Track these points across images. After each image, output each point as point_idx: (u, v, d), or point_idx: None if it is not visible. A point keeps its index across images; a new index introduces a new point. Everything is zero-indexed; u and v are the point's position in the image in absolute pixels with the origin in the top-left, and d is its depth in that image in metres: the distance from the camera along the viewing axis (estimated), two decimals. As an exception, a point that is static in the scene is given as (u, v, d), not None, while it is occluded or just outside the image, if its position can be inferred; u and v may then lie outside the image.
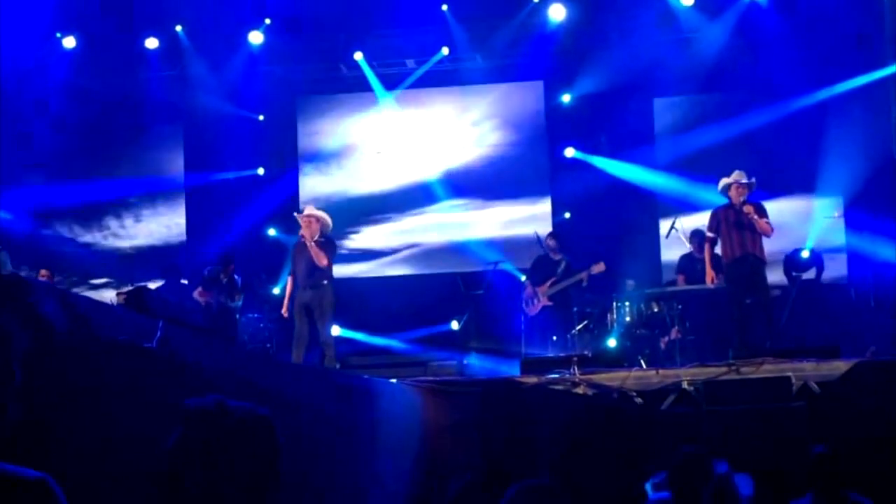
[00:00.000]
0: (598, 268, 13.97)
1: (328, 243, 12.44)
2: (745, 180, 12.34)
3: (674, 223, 14.87)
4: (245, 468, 2.60)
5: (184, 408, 2.64)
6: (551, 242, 14.59)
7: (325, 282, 12.27)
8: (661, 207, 16.55)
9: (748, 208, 12.17)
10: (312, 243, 12.17)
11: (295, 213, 12.71)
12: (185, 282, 15.40)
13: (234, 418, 2.64)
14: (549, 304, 14.14)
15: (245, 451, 2.61)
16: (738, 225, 12.27)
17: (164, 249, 17.67)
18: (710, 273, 12.99)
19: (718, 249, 12.71)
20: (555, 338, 14.05)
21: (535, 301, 14.21)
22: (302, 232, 12.32)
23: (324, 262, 12.18)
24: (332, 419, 7.88)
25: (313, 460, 6.86)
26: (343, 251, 17.52)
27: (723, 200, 12.62)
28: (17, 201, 17.53)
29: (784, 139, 16.25)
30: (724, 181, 12.54)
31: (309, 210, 12.57)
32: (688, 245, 14.48)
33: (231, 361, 7.20)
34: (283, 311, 12.90)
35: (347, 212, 17.62)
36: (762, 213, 12.33)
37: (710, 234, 12.73)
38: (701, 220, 14.75)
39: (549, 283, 14.17)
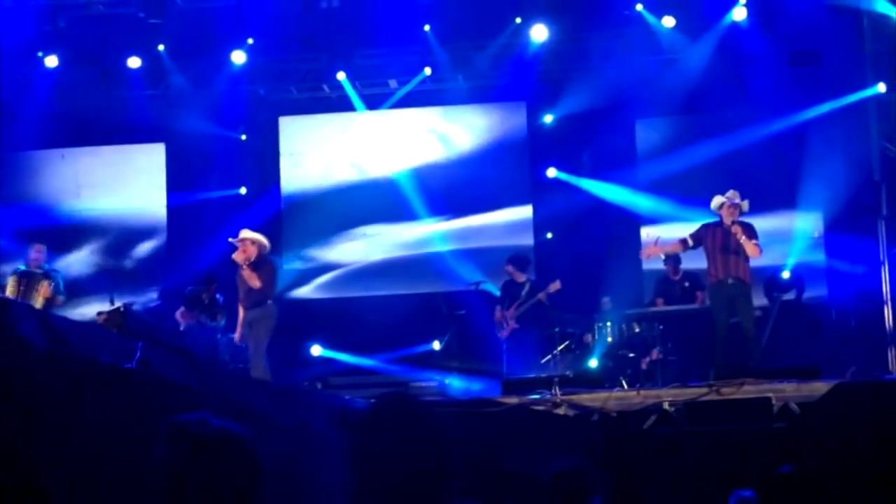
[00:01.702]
0: (555, 286, 14.02)
1: (262, 264, 12.43)
2: (737, 200, 12.31)
3: (656, 242, 14.95)
4: (225, 489, 2.59)
5: (168, 425, 2.63)
6: (510, 268, 14.63)
7: (261, 305, 12.30)
8: (643, 228, 16.60)
9: (736, 229, 12.12)
10: (245, 267, 12.21)
11: (230, 239, 12.65)
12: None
13: (215, 438, 2.63)
14: (517, 326, 14.16)
15: (225, 471, 2.60)
16: (725, 247, 12.18)
17: (146, 269, 17.62)
18: (653, 248, 12.95)
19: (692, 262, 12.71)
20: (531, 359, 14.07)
21: (505, 325, 14.26)
22: (234, 256, 12.34)
23: (256, 284, 12.21)
24: (312, 439, 7.87)
25: (291, 479, 6.84)
26: (324, 269, 17.54)
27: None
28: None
29: (765, 159, 16.33)
30: (717, 199, 12.52)
31: (244, 234, 12.54)
32: (663, 266, 14.54)
33: (210, 382, 7.18)
34: (237, 336, 12.82)
35: (329, 231, 17.63)
36: (752, 234, 12.22)
37: (689, 240, 12.58)
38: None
39: (514, 306, 14.21)
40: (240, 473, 2.65)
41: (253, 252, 12.31)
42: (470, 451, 9.62)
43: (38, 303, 12.24)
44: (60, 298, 12.77)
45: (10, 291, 12.45)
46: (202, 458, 2.59)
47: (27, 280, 12.61)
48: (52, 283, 12.60)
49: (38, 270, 12.82)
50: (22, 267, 12.92)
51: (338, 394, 11.54)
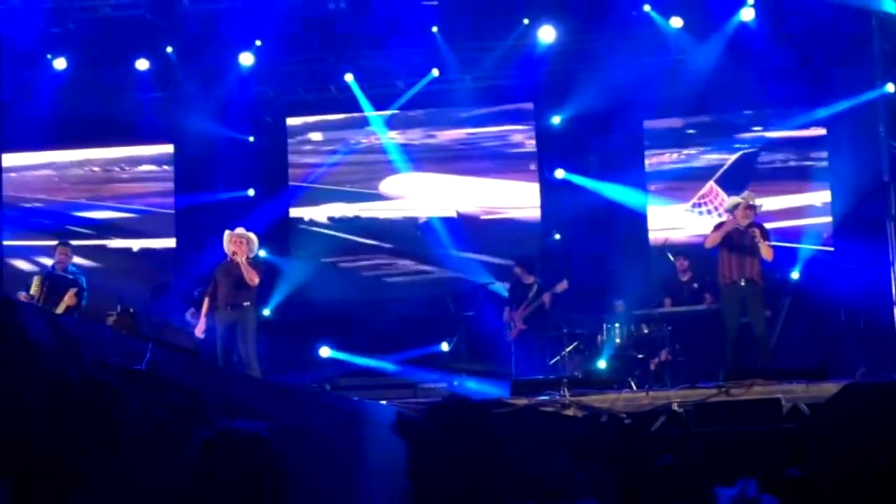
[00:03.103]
0: (562, 286, 14.01)
1: (258, 264, 12.44)
2: (753, 202, 12.26)
3: (664, 243, 14.98)
4: (251, 492, 2.61)
5: (197, 430, 2.67)
6: (518, 269, 14.66)
7: (248, 303, 12.26)
8: (651, 229, 16.63)
9: (754, 230, 12.06)
10: (244, 260, 12.16)
11: (227, 231, 12.55)
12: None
13: (243, 442, 2.66)
14: (525, 327, 14.18)
15: (251, 474, 2.63)
16: (741, 247, 12.12)
17: (155, 270, 17.64)
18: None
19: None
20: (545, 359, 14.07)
21: (513, 326, 14.28)
22: (234, 250, 12.24)
23: (256, 279, 12.16)
24: (320, 441, 7.86)
25: (299, 482, 6.84)
26: (332, 270, 17.55)
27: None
28: (8, 223, 17.60)
29: (773, 160, 16.33)
30: (732, 200, 12.48)
31: (240, 231, 12.52)
32: (674, 259, 14.53)
33: (219, 383, 7.19)
34: (199, 331, 12.54)
35: (336, 232, 17.64)
36: (766, 236, 12.20)
37: (718, 237, 12.26)
38: (690, 241, 14.90)
39: (522, 308, 14.23)
40: (265, 475, 2.67)
41: (244, 251, 12.31)
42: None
43: (60, 309, 12.16)
44: (83, 305, 12.75)
45: (33, 291, 12.41)
46: (229, 461, 2.61)
47: (51, 282, 12.55)
48: (78, 291, 12.54)
49: (66, 274, 12.77)
50: (48, 268, 12.86)
51: (349, 396, 11.53)
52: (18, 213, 17.94)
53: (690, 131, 16.93)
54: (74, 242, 14.23)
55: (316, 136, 18.13)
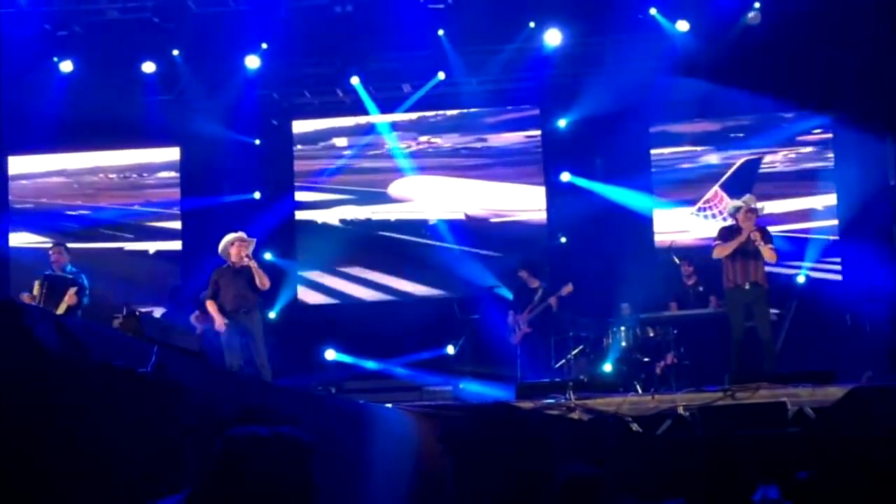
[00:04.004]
0: (567, 289, 14.05)
1: (264, 267, 12.53)
2: (755, 205, 12.26)
3: (670, 246, 14.98)
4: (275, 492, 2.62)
5: (223, 436, 2.67)
6: (523, 273, 14.67)
7: (256, 307, 12.36)
8: (657, 232, 16.62)
9: (756, 234, 12.06)
10: (255, 264, 12.22)
11: (230, 235, 12.53)
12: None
13: (266, 442, 2.66)
14: (529, 331, 14.20)
15: (274, 475, 2.64)
16: (744, 251, 12.12)
17: (161, 273, 17.67)
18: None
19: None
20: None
21: (518, 329, 14.28)
22: (245, 255, 12.25)
23: (268, 283, 12.29)
24: (326, 444, 7.86)
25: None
26: (338, 273, 17.57)
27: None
28: (22, 226, 17.66)
29: (779, 164, 16.31)
30: (734, 203, 12.47)
31: (243, 235, 12.50)
32: (679, 263, 14.53)
33: (226, 386, 7.20)
34: (220, 325, 12.29)
35: (342, 235, 17.66)
36: (768, 238, 12.20)
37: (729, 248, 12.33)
38: (696, 244, 14.86)
39: (527, 311, 14.24)
40: (295, 476, 2.67)
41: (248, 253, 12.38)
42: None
43: (61, 309, 12.18)
44: (84, 303, 12.77)
45: (35, 293, 12.45)
46: (258, 469, 2.62)
47: (50, 284, 12.59)
48: (78, 290, 12.57)
49: (64, 274, 12.80)
50: (47, 271, 12.91)
51: (354, 398, 11.54)
52: (30, 217, 18.00)
53: (696, 135, 16.91)
54: (89, 245, 14.24)
55: (324, 139, 18.17)
